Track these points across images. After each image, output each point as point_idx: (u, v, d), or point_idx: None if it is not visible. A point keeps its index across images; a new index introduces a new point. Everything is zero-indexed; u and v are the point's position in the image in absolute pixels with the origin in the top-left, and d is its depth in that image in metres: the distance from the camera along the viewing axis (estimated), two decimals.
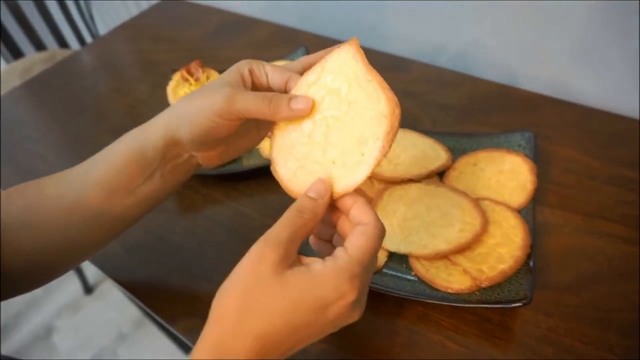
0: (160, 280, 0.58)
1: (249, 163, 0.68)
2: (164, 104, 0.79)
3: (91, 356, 1.39)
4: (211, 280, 0.57)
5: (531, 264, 0.49)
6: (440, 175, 0.61)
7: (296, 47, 0.85)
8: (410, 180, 0.59)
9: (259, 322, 0.31)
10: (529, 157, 0.59)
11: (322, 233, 0.39)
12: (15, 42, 1.38)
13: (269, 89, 0.41)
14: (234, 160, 0.69)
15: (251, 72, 0.41)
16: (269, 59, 0.83)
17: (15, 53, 1.38)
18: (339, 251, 0.33)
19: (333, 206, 0.36)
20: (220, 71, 0.82)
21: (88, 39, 1.48)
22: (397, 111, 0.35)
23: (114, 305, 1.49)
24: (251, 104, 0.38)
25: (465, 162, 0.62)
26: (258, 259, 0.32)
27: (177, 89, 0.79)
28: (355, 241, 0.33)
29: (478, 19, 0.78)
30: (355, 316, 0.34)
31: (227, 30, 1.01)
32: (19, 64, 1.33)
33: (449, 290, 0.49)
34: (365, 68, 0.36)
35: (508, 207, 0.55)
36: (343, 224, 0.36)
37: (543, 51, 0.74)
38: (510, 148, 0.61)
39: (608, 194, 0.59)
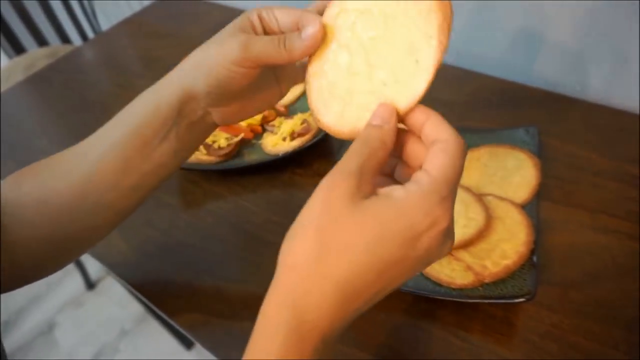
0: (162, 274, 0.58)
1: (251, 158, 0.68)
2: None
3: (93, 352, 1.40)
4: (213, 275, 0.57)
5: (535, 259, 0.49)
6: None
7: None
8: None
9: (340, 262, 0.27)
10: (533, 153, 0.59)
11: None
12: (18, 38, 1.38)
13: (280, 33, 0.38)
14: (235, 155, 0.69)
15: (261, 19, 0.39)
16: None
17: (18, 49, 1.39)
18: (419, 174, 0.29)
19: (397, 131, 0.32)
20: None
21: (90, 34, 1.48)
22: (447, 1, 0.31)
23: (116, 301, 1.49)
24: (267, 48, 0.36)
25: (468, 158, 0.61)
26: (328, 192, 0.28)
27: None
28: (436, 161, 0.29)
29: (482, 15, 0.77)
30: (446, 249, 0.30)
31: None
32: (21, 59, 1.33)
33: (452, 286, 0.49)
34: None
35: (512, 202, 0.55)
36: (413, 148, 0.32)
37: (547, 47, 0.74)
38: (514, 144, 0.61)
39: (612, 190, 0.58)
